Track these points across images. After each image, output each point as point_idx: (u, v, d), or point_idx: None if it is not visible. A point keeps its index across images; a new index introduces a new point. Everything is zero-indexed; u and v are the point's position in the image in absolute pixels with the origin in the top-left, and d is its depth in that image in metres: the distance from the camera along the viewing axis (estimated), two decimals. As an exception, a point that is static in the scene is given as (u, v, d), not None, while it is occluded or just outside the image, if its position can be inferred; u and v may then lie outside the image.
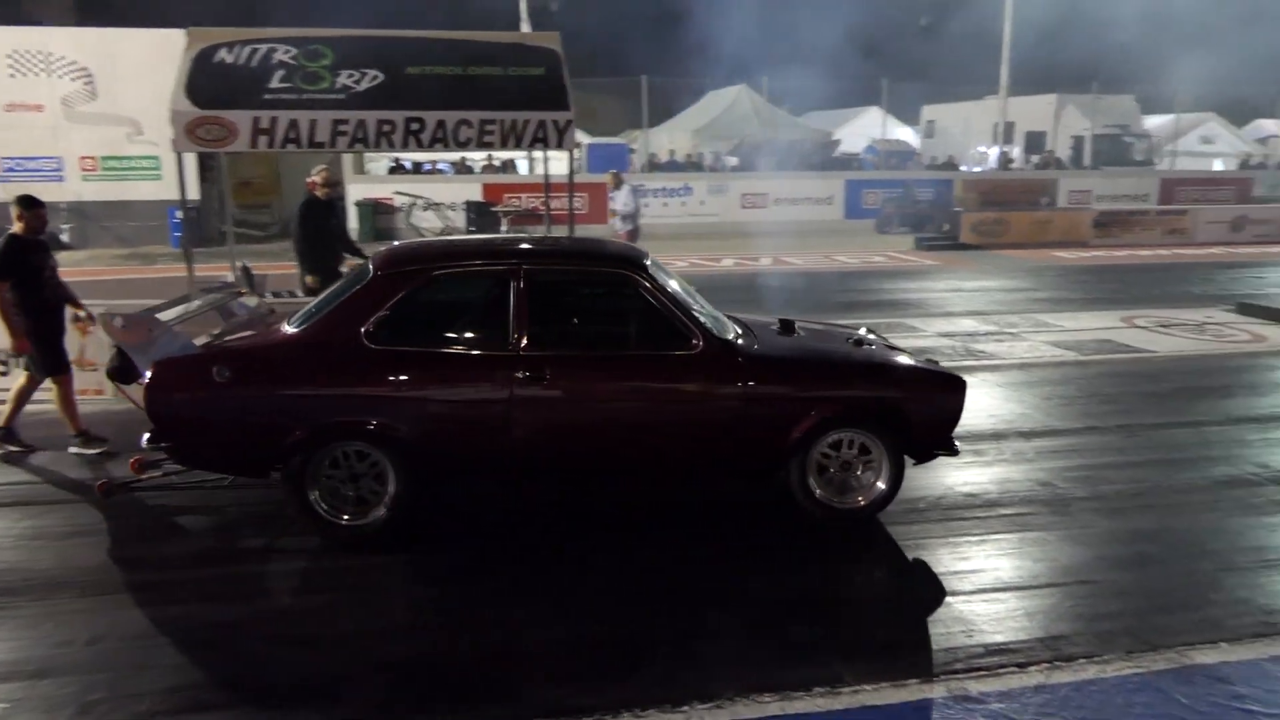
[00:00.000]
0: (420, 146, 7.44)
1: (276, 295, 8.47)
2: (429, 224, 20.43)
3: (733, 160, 27.35)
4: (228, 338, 5.03)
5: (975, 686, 3.43)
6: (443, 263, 4.89)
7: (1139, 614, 3.99)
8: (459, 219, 20.50)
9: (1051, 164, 27.73)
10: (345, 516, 4.63)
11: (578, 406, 4.70)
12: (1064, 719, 3.24)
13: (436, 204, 20.49)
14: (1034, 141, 30.73)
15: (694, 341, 4.74)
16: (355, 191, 19.85)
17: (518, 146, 7.82)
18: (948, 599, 4.17)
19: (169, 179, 17.18)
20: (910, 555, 4.63)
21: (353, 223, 18.68)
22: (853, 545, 4.76)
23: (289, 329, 4.78)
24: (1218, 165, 31.92)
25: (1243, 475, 5.75)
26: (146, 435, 4.59)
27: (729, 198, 22.88)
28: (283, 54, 7.48)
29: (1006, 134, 28.20)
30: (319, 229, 8.14)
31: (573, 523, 5.01)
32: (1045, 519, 5.08)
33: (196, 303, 5.76)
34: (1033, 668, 3.54)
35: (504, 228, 20.28)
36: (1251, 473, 5.79)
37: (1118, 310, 11.52)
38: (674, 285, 5.00)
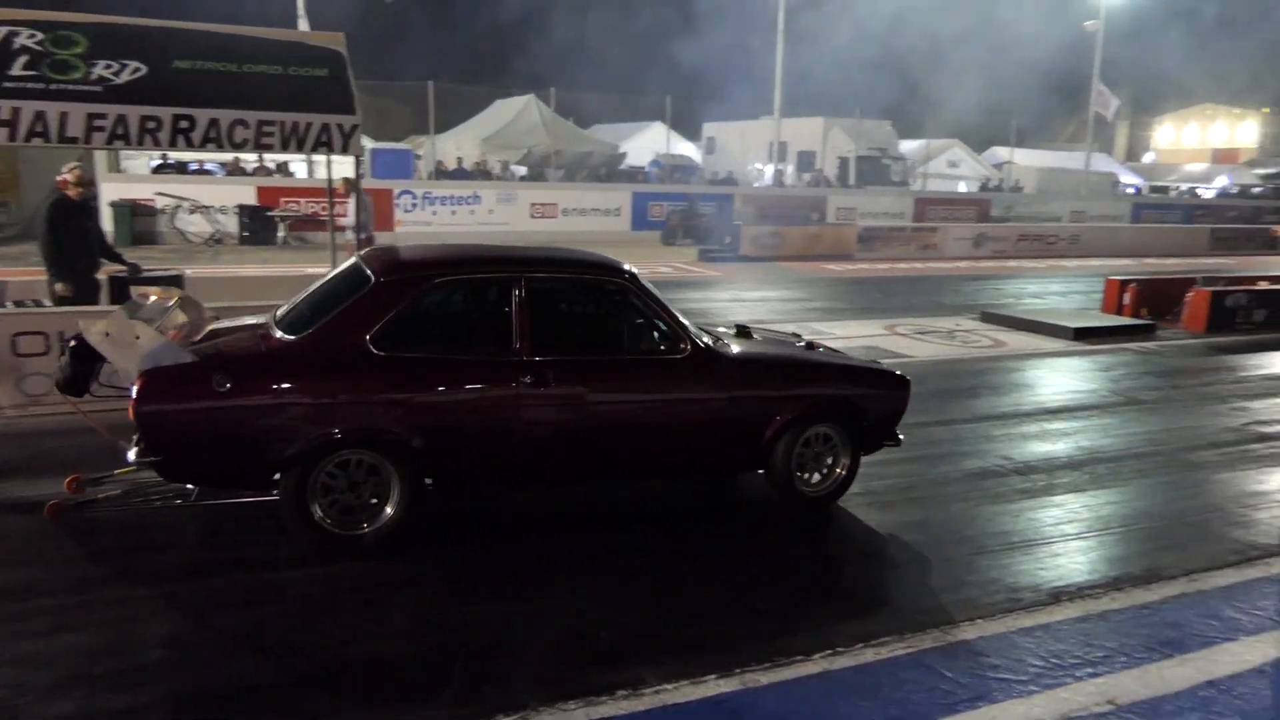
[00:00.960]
0: (191, 146, 6.92)
1: (20, 305, 7.63)
2: (196, 228, 19.09)
3: (521, 170, 27.34)
4: (209, 345, 4.68)
5: (763, 677, 3.60)
6: (447, 270, 4.88)
7: (909, 598, 4.35)
8: (230, 223, 19.29)
9: (821, 182, 29.64)
10: (345, 526, 4.51)
11: (579, 410, 4.80)
12: (846, 701, 3.47)
13: (205, 207, 19.18)
14: (805, 161, 32.69)
15: (683, 346, 5.01)
16: (110, 191, 18.21)
17: (299, 150, 7.45)
18: (743, 596, 4.36)
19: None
20: (691, 552, 4.81)
21: (108, 225, 17.13)
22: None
23: (284, 335, 4.59)
24: (962, 187, 35.28)
25: (990, 467, 6.38)
26: (133, 450, 4.30)
27: (518, 207, 22.85)
28: (26, 38, 6.74)
29: (780, 153, 29.88)
30: (73, 232, 7.41)
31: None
32: (822, 514, 5.42)
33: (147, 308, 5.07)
34: (818, 655, 3.77)
35: (281, 234, 19.29)
36: (997, 465, 6.44)
37: (881, 319, 12.47)
38: (660, 295, 5.14)
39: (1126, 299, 12.99)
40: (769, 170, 30.33)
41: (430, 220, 21.72)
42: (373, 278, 4.70)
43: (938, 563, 4.80)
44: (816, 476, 5.38)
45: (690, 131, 37.04)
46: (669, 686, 3.51)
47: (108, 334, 4.44)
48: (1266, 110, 41.14)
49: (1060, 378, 9.52)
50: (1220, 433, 7.40)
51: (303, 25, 20.57)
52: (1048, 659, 3.79)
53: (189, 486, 4.81)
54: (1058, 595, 4.39)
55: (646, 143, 32.67)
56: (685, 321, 5.12)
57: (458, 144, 27.32)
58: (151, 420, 4.24)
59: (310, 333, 4.54)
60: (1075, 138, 45.29)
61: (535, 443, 4.76)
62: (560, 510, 5.31)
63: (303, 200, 19.99)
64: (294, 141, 7.24)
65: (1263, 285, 13.37)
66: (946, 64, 41.55)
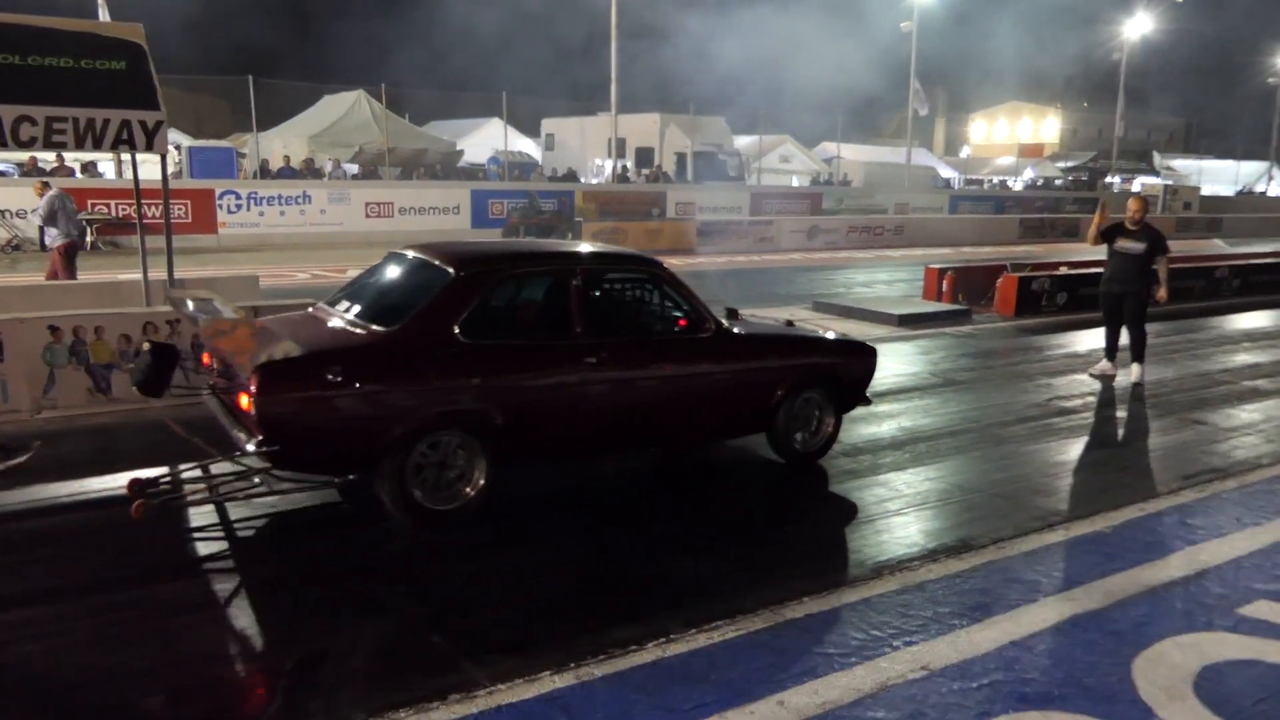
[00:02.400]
0: (-33, 144, 6.34)
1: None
2: (-9, 233, 17.54)
3: (353, 168, 26.47)
4: (298, 339, 4.86)
5: (598, 670, 3.61)
6: (517, 264, 5.47)
7: (740, 583, 4.45)
8: (30, 228, 17.78)
9: (660, 178, 30.06)
10: (438, 502, 4.87)
11: (630, 386, 5.40)
12: (680, 686, 3.51)
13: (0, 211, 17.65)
14: (644, 156, 33.09)
15: (707, 326, 5.68)
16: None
17: (98, 148, 6.94)
18: (582, 595, 4.35)
19: None
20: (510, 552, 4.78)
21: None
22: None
23: (377, 327, 4.90)
24: (794, 181, 36.54)
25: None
26: (254, 441, 4.46)
27: (352, 207, 22.10)
28: None
29: (619, 149, 30.11)
30: None
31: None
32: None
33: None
34: (650, 643, 3.80)
35: (90, 238, 17.94)
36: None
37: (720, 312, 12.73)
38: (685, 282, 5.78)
39: (945, 286, 13.76)
40: (608, 166, 30.52)
41: (257, 222, 20.74)
42: (452, 272, 5.07)
43: (767, 545, 4.94)
44: (807, 435, 6.16)
45: (529, 128, 36.84)
46: (502, 686, 3.46)
47: (224, 332, 4.62)
48: (1086, 105, 44.64)
49: (885, 362, 9.90)
50: (1027, 409, 7.94)
51: (103, 15, 19.18)
52: (868, 631, 3.95)
53: (255, 480, 4.86)
54: (879, 570, 4.60)
55: (485, 139, 32.29)
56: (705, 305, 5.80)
57: (284, 142, 26.17)
58: (271, 411, 4.44)
59: (405, 324, 4.87)
60: (899, 133, 47.73)
61: (595, 417, 5.30)
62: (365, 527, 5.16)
63: (114, 203, 18.69)
64: (90, 139, 6.76)
65: (1063, 270, 14.45)
66: (777, 61, 42.94)
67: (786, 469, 6.18)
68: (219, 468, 4.96)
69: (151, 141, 7.02)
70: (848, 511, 5.54)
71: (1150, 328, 12.60)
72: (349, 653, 3.75)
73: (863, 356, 6.48)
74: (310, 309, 5.59)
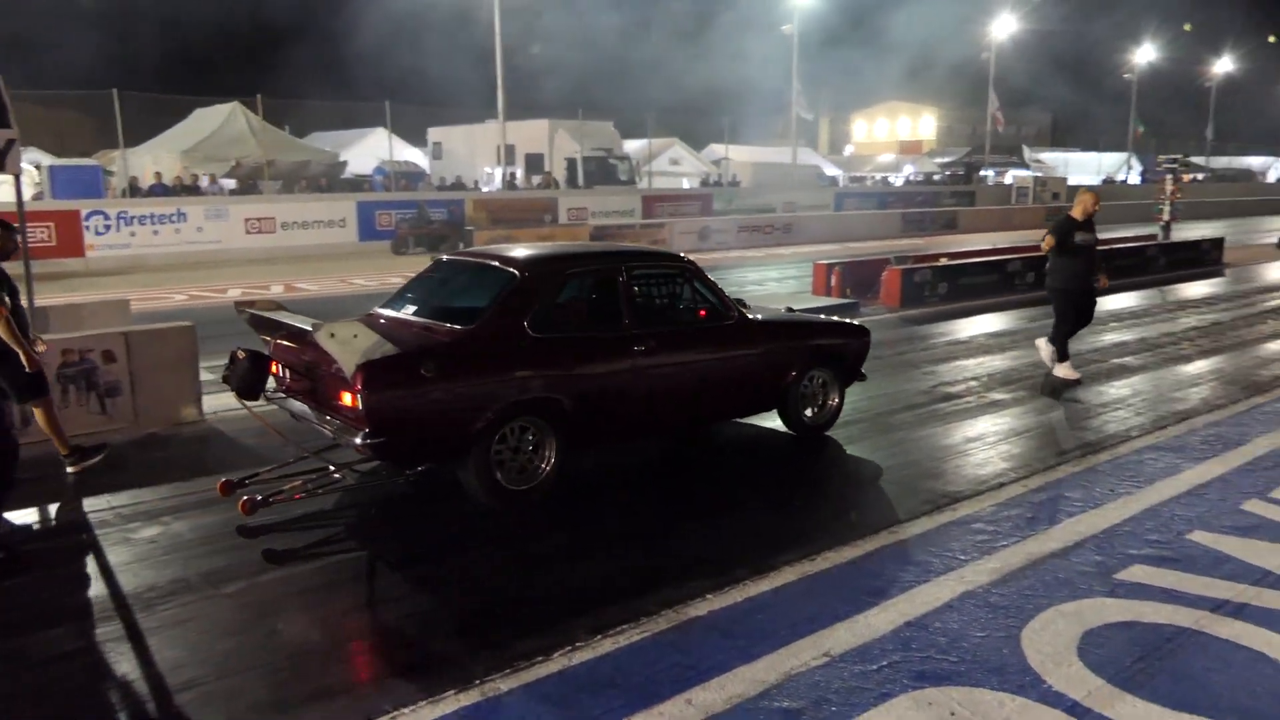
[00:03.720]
0: None
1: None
2: None
3: (230, 183, 25.57)
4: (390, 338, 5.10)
5: (504, 685, 3.55)
6: (575, 264, 6.04)
7: (641, 586, 4.45)
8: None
9: (551, 184, 29.96)
10: (516, 483, 5.34)
11: (673, 371, 5.95)
12: (587, 693, 3.49)
13: None
14: (533, 163, 32.92)
15: (732, 314, 6.33)
16: None
17: (-58, 167, 6.52)
18: (491, 608, 4.28)
19: None
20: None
21: None
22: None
23: (454, 326, 5.35)
24: (685, 183, 36.92)
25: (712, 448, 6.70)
26: (360, 436, 4.81)
27: (230, 223, 21.31)
28: None
29: (508, 156, 29.90)
30: None
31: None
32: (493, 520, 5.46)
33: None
34: (557, 653, 3.76)
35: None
36: (721, 445, 6.77)
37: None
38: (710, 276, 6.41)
39: (833, 281, 14.11)
40: (498, 173, 30.26)
41: (128, 242, 19.80)
42: (518, 274, 5.56)
43: (663, 548, 4.97)
44: (816, 410, 6.81)
45: (415, 137, 36.22)
46: (405, 710, 3.37)
47: (333, 335, 4.83)
48: (999, 108, 46.37)
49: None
50: (914, 396, 8.20)
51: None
52: (771, 623, 4.01)
53: (337, 476, 5.38)
54: (781, 562, 4.64)
55: (369, 150, 31.60)
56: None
57: (155, 158, 25.07)
58: (376, 405, 4.80)
59: (481, 323, 5.31)
60: (784, 134, 48.76)
61: (645, 400, 5.83)
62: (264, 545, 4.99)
63: (-32, 226, 17.56)
64: (-66, 158, 6.33)
65: (943, 261, 15.00)
66: (663, 65, 43.38)
67: (670, 473, 6.23)
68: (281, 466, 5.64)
69: (4, 161, 6.63)
70: (745, 507, 5.61)
71: (1024, 313, 13.26)
72: (237, 693, 3.60)
73: (861, 337, 7.16)
74: (369, 315, 5.92)
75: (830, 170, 49.33)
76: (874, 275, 14.11)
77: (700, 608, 4.16)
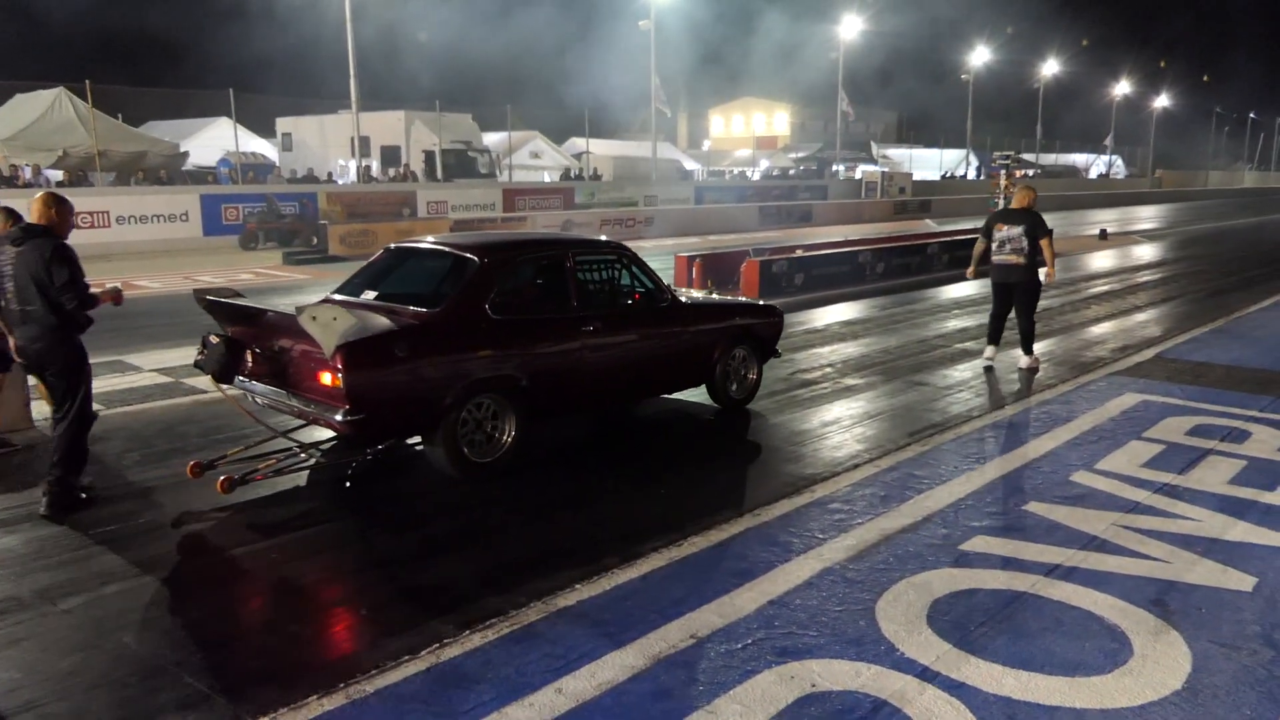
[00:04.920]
0: None
1: None
2: None
3: (57, 174, 23.87)
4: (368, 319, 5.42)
5: (369, 686, 3.48)
6: (528, 250, 6.53)
7: (509, 581, 4.43)
8: None
9: (408, 177, 29.28)
10: (480, 456, 5.71)
11: (618, 349, 6.43)
12: (457, 690, 3.45)
13: None
14: (390, 155, 32.10)
15: (666, 297, 6.84)
16: None
17: None
18: (357, 609, 4.16)
19: None
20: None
21: None
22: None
23: (419, 309, 5.63)
24: (546, 177, 36.77)
25: (578, 438, 6.72)
26: (340, 414, 5.06)
27: (60, 217, 19.89)
28: None
29: (363, 148, 29.04)
30: None
31: None
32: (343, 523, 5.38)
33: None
34: (424, 651, 3.71)
35: None
36: (587, 435, 6.81)
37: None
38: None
39: (694, 273, 14.35)
40: (353, 165, 29.36)
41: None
42: (477, 260, 5.88)
43: (529, 539, 4.97)
44: (739, 385, 7.40)
45: (263, 127, 34.71)
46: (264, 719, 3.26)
47: (314, 318, 4.99)
48: (850, 110, 47.47)
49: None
50: (773, 383, 8.42)
51: None
52: (640, 609, 4.06)
53: (303, 456, 5.82)
54: (648, 549, 4.71)
55: (213, 140, 30.16)
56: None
57: (-31, 146, 23.15)
58: (356, 384, 5.06)
59: (445, 306, 5.64)
60: (645, 128, 49.21)
61: (594, 375, 6.29)
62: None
63: None
64: None
65: (799, 253, 15.50)
66: (523, 58, 43.02)
67: (530, 465, 6.24)
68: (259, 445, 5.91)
69: None
70: (616, 494, 5.66)
71: (875, 302, 13.85)
72: (81, 713, 3.39)
73: (775, 316, 7.81)
74: (323, 301, 6.08)
75: (690, 164, 50.12)
76: (734, 267, 14.43)
77: (569, 598, 4.17)
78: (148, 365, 9.19)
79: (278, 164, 31.68)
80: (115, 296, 5.51)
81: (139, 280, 15.87)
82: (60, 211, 5.28)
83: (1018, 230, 8.74)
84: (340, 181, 29.28)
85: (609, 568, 4.48)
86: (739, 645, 3.76)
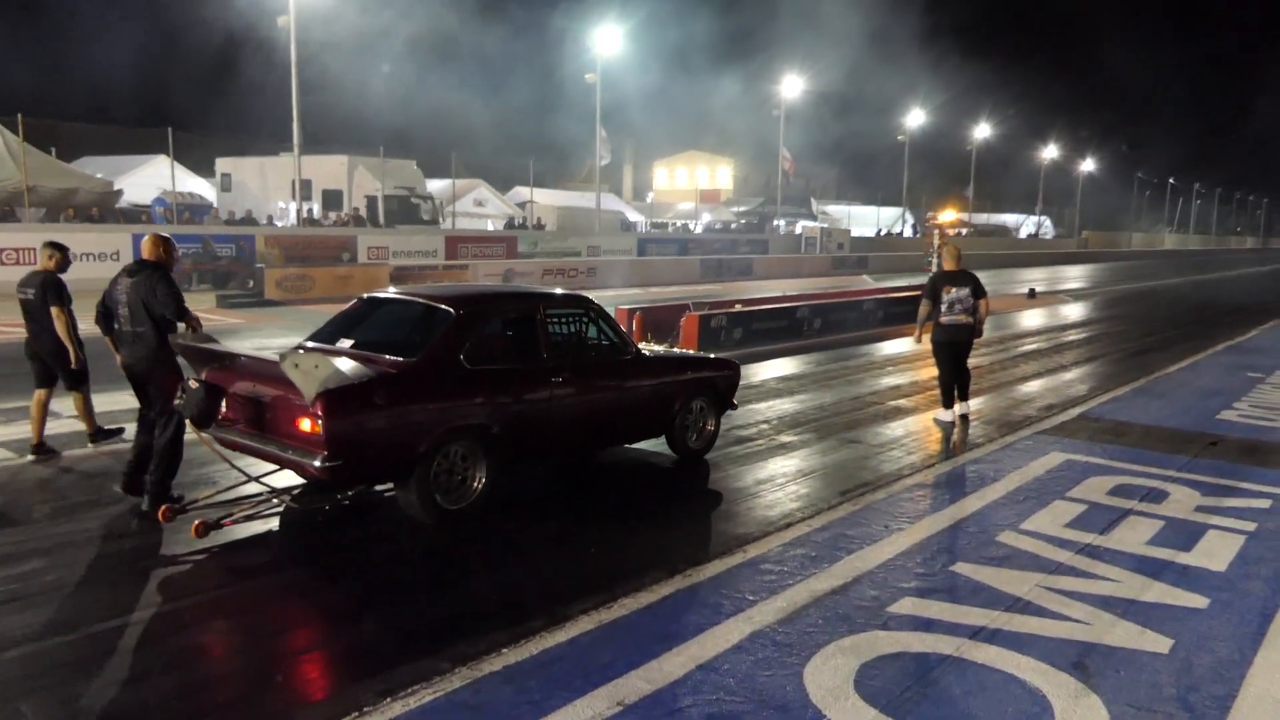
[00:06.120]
0: None
1: None
2: None
3: (-16, 210, 23.20)
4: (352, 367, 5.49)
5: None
6: (502, 303, 6.78)
7: (425, 646, 4.34)
8: None
9: (350, 221, 29.05)
10: (452, 501, 5.80)
11: (585, 398, 6.62)
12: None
13: None
14: (331, 199, 31.84)
15: (630, 350, 7.13)
16: None
17: None
18: (269, 677, 4.03)
19: None
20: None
21: None
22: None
23: (395, 358, 5.74)
24: (489, 225, 36.80)
25: (510, 494, 6.66)
26: (319, 459, 5.13)
27: (-18, 254, 19.30)
28: None
29: (304, 191, 28.77)
30: None
31: None
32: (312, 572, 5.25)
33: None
34: (344, 719, 3.60)
35: None
36: (522, 490, 6.75)
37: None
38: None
39: (634, 326, 14.39)
40: (293, 209, 29.04)
41: None
42: (453, 311, 6.05)
43: (452, 599, 4.87)
44: (697, 436, 7.60)
45: (202, 167, 34.22)
46: None
47: (297, 365, 5.08)
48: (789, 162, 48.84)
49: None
50: (709, 438, 8.46)
51: None
52: (566, 674, 4.00)
53: (274, 501, 5.94)
54: (577, 611, 4.63)
55: (149, 178, 29.61)
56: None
57: (-111, 179, 22.40)
58: (336, 431, 5.16)
59: (422, 355, 5.78)
60: (589, 178, 49.66)
61: (563, 423, 6.48)
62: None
63: None
64: None
65: (737, 308, 15.67)
66: (469, 105, 43.23)
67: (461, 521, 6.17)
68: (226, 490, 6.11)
69: None
70: (546, 550, 5.60)
71: (811, 357, 14.04)
72: None
73: (733, 370, 8.04)
74: (301, 348, 6.21)
75: (633, 216, 50.59)
76: (674, 320, 14.53)
77: (495, 662, 4.09)
78: (67, 411, 8.87)
79: (215, 205, 31.18)
80: (196, 322, 6.20)
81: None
82: (166, 248, 6.34)
83: (965, 291, 9.01)
84: (280, 224, 28.92)
85: (535, 631, 4.41)
86: (666, 712, 3.72)
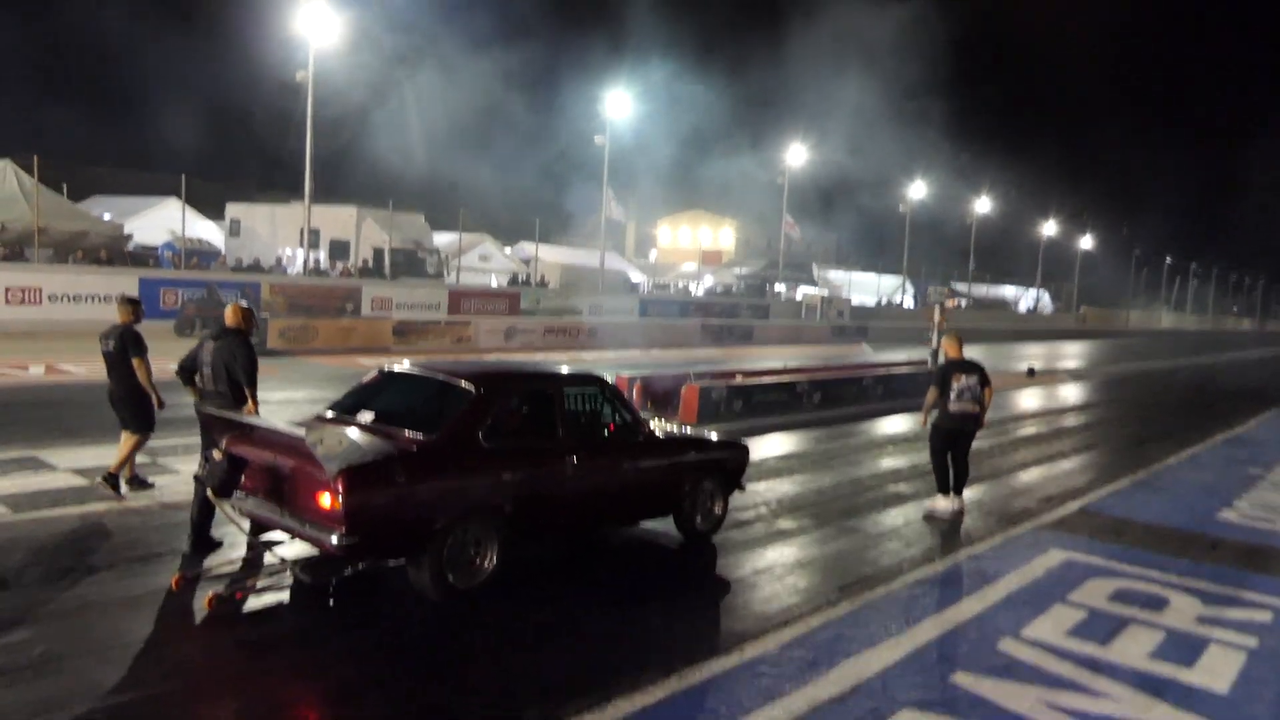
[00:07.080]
0: None
1: None
2: None
3: (-6, 249, 23.38)
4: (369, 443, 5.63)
5: None
6: (521, 383, 6.85)
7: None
8: None
9: (359, 272, 29.25)
10: (462, 580, 5.80)
11: (598, 478, 6.71)
12: None
13: None
14: (338, 249, 32.10)
15: (643, 430, 7.19)
16: None
17: None
18: None
19: None
20: None
21: None
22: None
23: (414, 435, 5.80)
24: (493, 280, 37.05)
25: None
26: (336, 535, 5.16)
27: (-13, 292, 19.40)
28: None
29: (313, 240, 29.03)
30: None
31: None
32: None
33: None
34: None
35: None
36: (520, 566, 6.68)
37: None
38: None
39: (634, 395, 14.42)
40: (300, 257, 29.26)
41: None
42: (474, 390, 6.13)
43: (456, 682, 4.80)
44: (705, 516, 7.56)
45: (213, 211, 34.55)
46: None
47: (321, 440, 5.25)
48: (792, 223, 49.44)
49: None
50: (707, 521, 8.40)
51: None
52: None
53: (282, 572, 5.90)
54: (570, 711, 4.57)
55: (159, 221, 29.92)
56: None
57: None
58: (355, 508, 5.18)
59: (442, 433, 5.86)
60: (594, 235, 50.17)
61: (577, 503, 6.59)
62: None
63: None
64: None
65: (738, 380, 15.70)
66: (478, 160, 43.76)
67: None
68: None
69: None
70: (542, 641, 5.52)
71: (811, 434, 14.01)
72: None
73: (741, 451, 8.08)
74: (316, 417, 6.46)
75: (636, 275, 51.00)
76: (673, 390, 14.55)
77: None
78: (63, 464, 8.83)
79: (224, 251, 31.41)
80: (255, 405, 6.86)
81: (64, 364, 15.43)
82: (246, 318, 7.13)
83: (974, 379, 9.08)
84: (288, 270, 29.10)
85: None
86: (659, 834, 3.63)
